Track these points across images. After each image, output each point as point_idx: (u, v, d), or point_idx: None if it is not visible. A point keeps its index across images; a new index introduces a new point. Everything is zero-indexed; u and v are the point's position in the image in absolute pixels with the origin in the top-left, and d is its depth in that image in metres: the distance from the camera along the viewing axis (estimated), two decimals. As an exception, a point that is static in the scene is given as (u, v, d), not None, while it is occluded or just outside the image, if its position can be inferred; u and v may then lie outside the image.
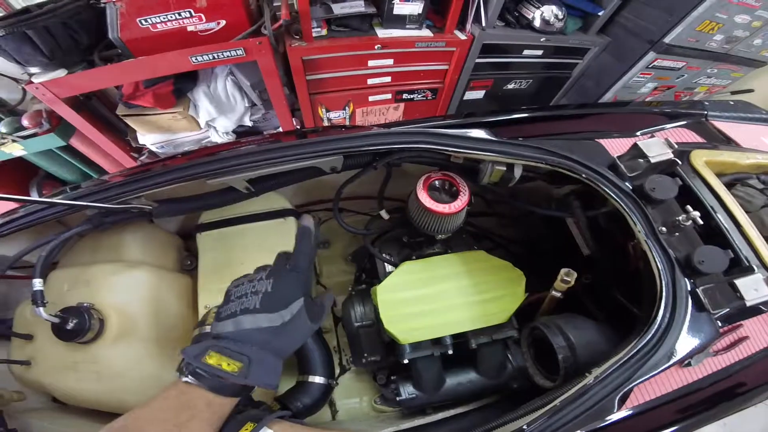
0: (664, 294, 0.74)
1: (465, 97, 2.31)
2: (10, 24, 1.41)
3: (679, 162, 0.84)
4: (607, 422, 0.77)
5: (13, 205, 1.01)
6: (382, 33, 1.85)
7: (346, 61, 1.86)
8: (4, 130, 1.75)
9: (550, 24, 1.96)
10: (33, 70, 1.56)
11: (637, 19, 2.06)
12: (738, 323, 0.84)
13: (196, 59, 1.54)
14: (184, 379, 0.58)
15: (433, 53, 1.99)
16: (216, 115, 1.84)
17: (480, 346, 1.02)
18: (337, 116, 2.12)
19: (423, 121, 1.02)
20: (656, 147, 0.83)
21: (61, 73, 1.56)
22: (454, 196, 0.91)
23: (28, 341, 0.99)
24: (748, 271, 0.75)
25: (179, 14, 1.48)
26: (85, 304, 0.89)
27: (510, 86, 2.33)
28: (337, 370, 1.27)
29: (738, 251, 0.79)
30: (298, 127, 2.09)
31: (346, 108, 2.10)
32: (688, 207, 0.78)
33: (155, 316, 0.97)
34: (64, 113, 1.65)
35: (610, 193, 0.80)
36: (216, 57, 1.55)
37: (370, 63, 1.91)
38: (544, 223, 1.29)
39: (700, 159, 0.91)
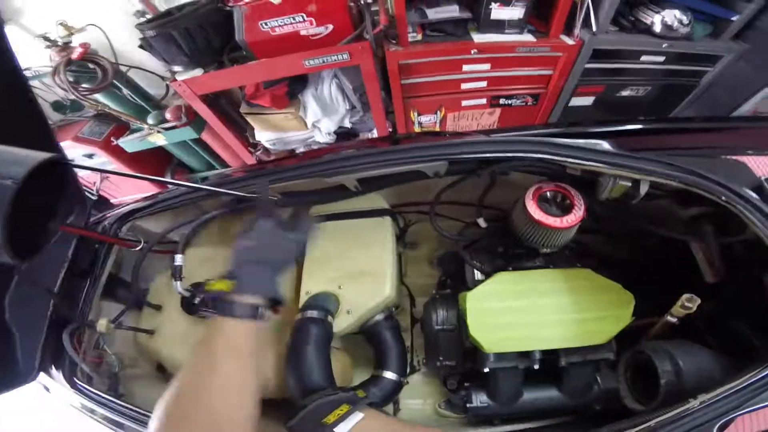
0: None
1: (571, 104, 2.20)
2: (159, 25, 1.67)
3: None
4: None
5: (152, 188, 1.19)
6: (478, 38, 1.85)
7: (440, 66, 1.90)
8: (151, 122, 2.09)
9: (673, 29, 1.79)
10: (176, 68, 1.84)
11: None
12: None
13: (308, 63, 1.69)
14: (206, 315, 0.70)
15: (536, 58, 1.93)
16: (321, 116, 2.00)
17: (570, 364, 0.98)
18: (428, 120, 2.16)
19: (527, 129, 1.00)
20: None
21: (198, 72, 1.81)
22: (566, 209, 0.87)
23: (157, 311, 1.12)
24: None
25: (293, 18, 1.63)
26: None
27: (624, 93, 2.16)
28: (408, 370, 1.28)
29: None
30: (391, 130, 2.17)
31: (438, 112, 2.12)
32: None
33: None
34: (200, 109, 1.92)
35: (753, 219, 0.71)
36: (325, 61, 1.68)
37: (465, 68, 1.92)
38: (659, 245, 1.17)
39: None
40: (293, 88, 1.93)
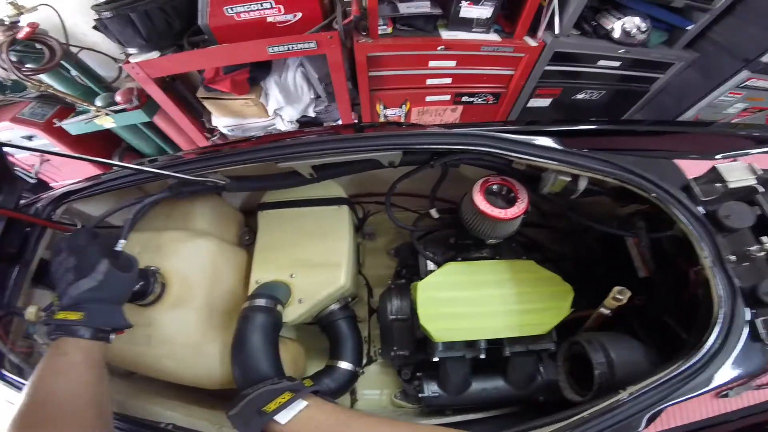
0: (720, 321, 0.71)
1: (529, 104, 2.26)
2: (117, 6, 1.58)
3: (761, 190, 0.78)
4: None
5: (96, 171, 1.13)
6: (446, 35, 1.86)
7: (407, 60, 1.90)
8: (99, 104, 1.97)
9: (631, 36, 1.86)
10: (131, 50, 1.74)
11: (731, 35, 1.91)
12: None
13: (273, 49, 1.64)
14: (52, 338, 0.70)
15: (500, 58, 1.96)
16: (284, 104, 1.95)
17: (514, 354, 1.02)
18: (393, 113, 2.16)
19: (484, 125, 1.02)
20: (737, 172, 0.78)
21: (154, 54, 1.73)
22: (511, 202, 0.90)
23: None
24: None
25: (261, 5, 1.58)
26: (152, 268, 0.94)
27: (580, 96, 2.24)
28: (364, 360, 1.29)
29: None
30: (356, 121, 2.16)
31: (403, 106, 2.13)
32: (764, 238, 0.72)
33: (210, 287, 1.01)
34: (153, 92, 1.83)
35: (680, 216, 0.76)
36: (291, 48, 1.64)
37: (431, 63, 1.93)
38: (599, 241, 1.24)
39: None
40: (255, 75, 1.87)
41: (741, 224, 0.74)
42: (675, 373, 0.69)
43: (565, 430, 0.69)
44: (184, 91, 2.05)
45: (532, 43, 1.90)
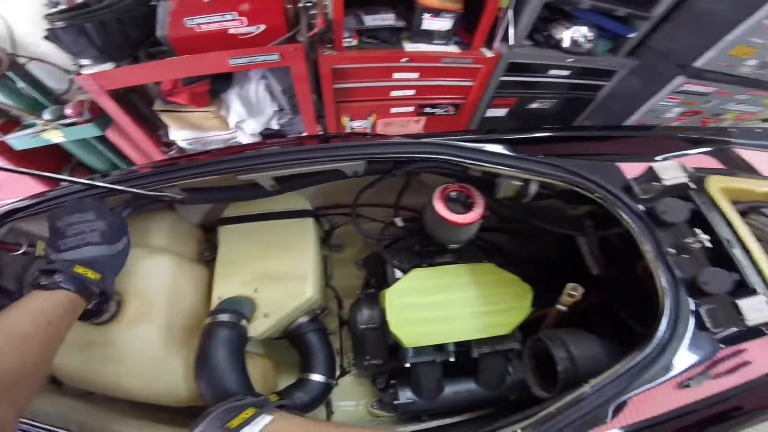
0: (666, 311, 0.75)
1: (486, 114, 2.34)
2: (71, 17, 1.51)
3: (692, 186, 0.85)
4: None
5: (44, 188, 1.07)
6: (409, 47, 1.91)
7: (372, 72, 1.93)
8: (47, 117, 1.85)
9: (579, 45, 1.96)
10: (84, 61, 1.66)
11: (668, 42, 2.04)
12: (742, 347, 0.84)
13: (234, 61, 1.62)
14: (48, 285, 0.70)
15: (459, 69, 2.03)
16: (246, 117, 1.93)
17: (482, 356, 1.05)
18: (359, 125, 2.18)
19: (445, 135, 1.06)
20: (670, 170, 0.84)
21: (109, 66, 1.66)
22: (469, 207, 0.94)
23: None
24: (752, 293, 0.77)
25: (223, 16, 1.57)
26: None
27: (534, 105, 2.35)
28: (338, 372, 1.29)
29: (744, 274, 0.81)
30: (322, 132, 2.16)
31: (369, 118, 2.16)
32: (697, 230, 0.79)
33: (170, 304, 0.99)
34: (106, 105, 1.76)
35: (622, 214, 0.81)
36: (253, 60, 1.62)
37: (395, 75, 1.97)
38: (556, 243, 1.30)
39: (715, 185, 0.91)
40: (216, 87, 1.84)
41: (677, 218, 0.80)
42: (632, 364, 0.73)
43: (535, 426, 0.71)
44: (139, 104, 1.98)
45: (488, 54, 1.98)
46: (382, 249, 1.15)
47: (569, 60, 2.04)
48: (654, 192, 0.84)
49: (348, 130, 2.15)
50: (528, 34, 1.95)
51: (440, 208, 0.90)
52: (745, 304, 0.76)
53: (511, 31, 1.90)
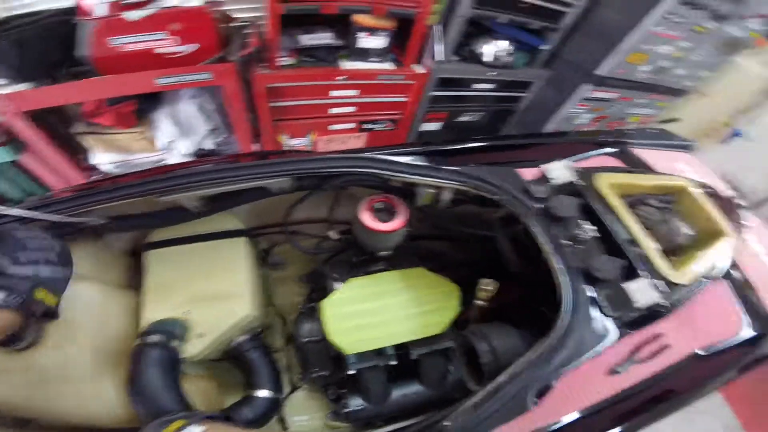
0: (566, 300, 0.80)
1: (422, 128, 2.45)
2: None
3: (580, 183, 0.94)
4: (552, 427, 0.82)
5: None
6: (346, 65, 1.97)
7: (309, 91, 1.96)
8: (-51, 143, 1.69)
9: (499, 59, 2.12)
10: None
11: (576, 52, 2.23)
12: (659, 332, 0.92)
13: (162, 81, 1.58)
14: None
15: (394, 86, 2.12)
16: (176, 137, 1.87)
17: (421, 356, 1.09)
18: (298, 144, 2.19)
19: (379, 149, 1.12)
20: (557, 171, 0.94)
21: (26, 86, 1.55)
22: (393, 215, 0.99)
23: None
24: (636, 276, 0.84)
25: (152, 36, 1.52)
26: None
27: (463, 118, 2.49)
28: (289, 389, 1.29)
29: (631, 260, 0.88)
30: (257, 151, 2.15)
31: (309, 136, 2.18)
32: (583, 223, 0.88)
33: (97, 329, 0.97)
34: (22, 127, 1.63)
35: (519, 213, 0.90)
36: (182, 80, 1.59)
37: (332, 93, 2.01)
38: (485, 246, 1.39)
39: (603, 181, 1.02)
40: (143, 106, 1.78)
41: (568, 213, 0.89)
42: (540, 351, 0.76)
43: (458, 418, 0.74)
44: (59, 126, 1.85)
45: (419, 70, 2.09)
46: (320, 264, 1.18)
47: (491, 73, 2.20)
48: (548, 191, 0.93)
49: (286, 149, 2.15)
50: (455, 49, 2.09)
51: (365, 217, 0.95)
52: (631, 287, 0.82)
53: (439, 48, 2.02)
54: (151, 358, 0.90)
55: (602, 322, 0.82)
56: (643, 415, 0.91)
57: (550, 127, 2.49)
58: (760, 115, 3.70)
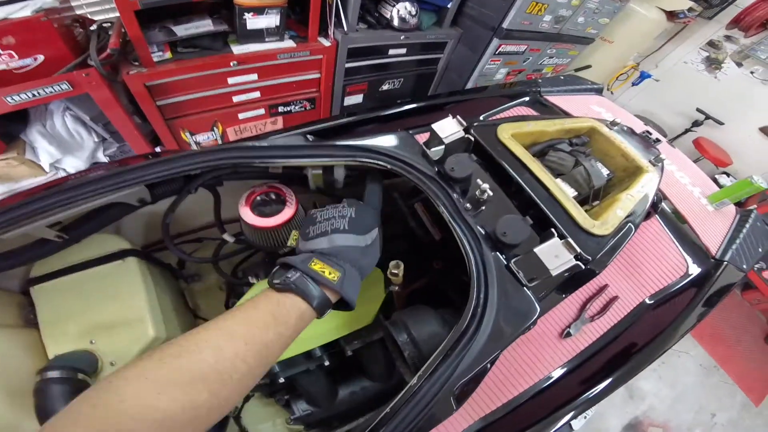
0: (473, 273, 0.69)
1: (345, 103, 2.33)
2: None
3: (471, 138, 0.85)
4: (511, 405, 0.78)
5: None
6: (237, 49, 1.79)
7: (202, 82, 1.77)
8: None
9: (406, 21, 2.02)
10: None
11: (480, 8, 2.20)
12: (603, 283, 0.87)
13: (14, 99, 1.36)
14: (279, 285, 0.57)
15: (301, 63, 1.98)
16: (60, 156, 1.65)
17: (356, 351, 1.01)
18: (206, 138, 2.01)
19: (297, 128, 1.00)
20: (448, 127, 0.82)
21: None
22: (282, 206, 0.88)
23: None
24: (548, 236, 0.71)
25: None
26: None
27: (385, 87, 2.40)
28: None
29: (545, 216, 0.79)
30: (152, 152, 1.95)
31: (215, 129, 2.00)
32: (478, 181, 0.76)
33: (2, 371, 0.89)
34: None
35: (415, 180, 0.79)
36: (38, 94, 1.39)
37: (230, 80, 1.84)
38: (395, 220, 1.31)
39: (506, 132, 0.95)
40: (8, 129, 1.54)
41: (466, 173, 0.78)
42: (450, 344, 0.64)
43: (381, 428, 0.61)
44: None
45: (326, 43, 1.95)
46: (219, 271, 1.06)
47: (402, 38, 2.10)
48: (443, 152, 0.83)
49: (193, 146, 1.96)
50: (361, 17, 1.96)
51: (247, 214, 0.83)
52: (541, 251, 0.68)
53: (343, 17, 1.89)
54: (54, 393, 0.83)
55: (521, 293, 0.70)
56: (615, 373, 0.85)
57: (470, 85, 2.46)
58: (663, 57, 3.94)
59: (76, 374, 0.88)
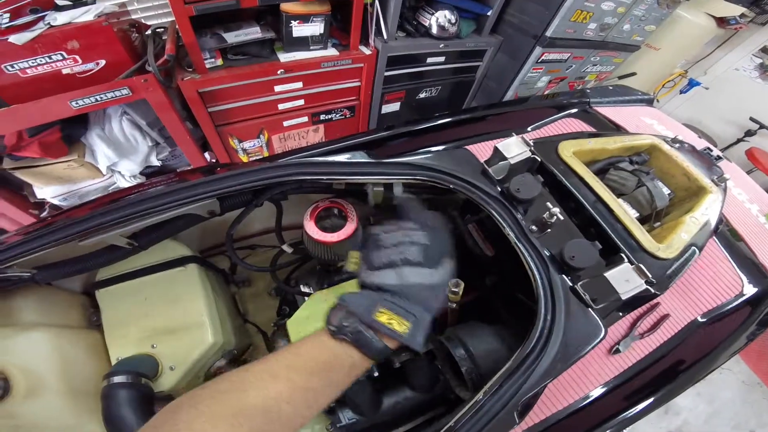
0: (541, 297, 0.69)
1: (383, 111, 2.34)
2: None
3: (539, 159, 0.84)
4: (554, 419, 0.77)
5: None
6: (284, 57, 1.83)
7: (250, 89, 1.82)
8: None
9: (445, 29, 2.02)
10: None
11: (521, 15, 2.16)
12: (654, 301, 0.85)
13: (77, 103, 1.44)
14: (334, 330, 0.53)
15: (343, 71, 2.00)
16: (117, 159, 1.73)
17: (404, 363, 1.01)
18: (252, 146, 2.06)
19: (338, 141, 1.03)
20: (514, 147, 0.81)
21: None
22: (343, 222, 0.89)
23: None
24: (618, 261, 0.71)
25: (50, 57, 1.39)
26: None
27: (422, 95, 2.39)
28: None
29: (610, 239, 0.78)
30: (215, 160, 2.02)
31: (261, 136, 2.05)
32: (548, 204, 0.77)
33: (66, 372, 0.94)
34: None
35: (478, 200, 0.79)
36: (99, 99, 1.45)
37: (277, 88, 1.88)
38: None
39: (567, 150, 0.93)
40: (69, 132, 1.62)
41: (531, 194, 0.77)
42: (518, 362, 0.65)
43: None
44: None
45: (366, 51, 1.97)
46: (276, 279, 1.09)
47: (441, 45, 2.09)
48: (506, 171, 0.82)
49: (240, 153, 2.02)
50: (399, 25, 1.97)
51: (311, 229, 0.85)
52: (611, 276, 0.68)
53: (382, 26, 1.91)
54: (121, 398, 0.87)
55: (587, 316, 0.71)
56: (660, 391, 0.84)
57: (510, 94, 2.42)
58: (712, 64, 3.77)
59: (140, 379, 0.92)
